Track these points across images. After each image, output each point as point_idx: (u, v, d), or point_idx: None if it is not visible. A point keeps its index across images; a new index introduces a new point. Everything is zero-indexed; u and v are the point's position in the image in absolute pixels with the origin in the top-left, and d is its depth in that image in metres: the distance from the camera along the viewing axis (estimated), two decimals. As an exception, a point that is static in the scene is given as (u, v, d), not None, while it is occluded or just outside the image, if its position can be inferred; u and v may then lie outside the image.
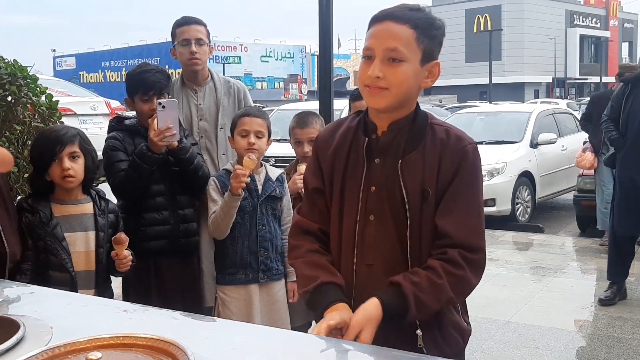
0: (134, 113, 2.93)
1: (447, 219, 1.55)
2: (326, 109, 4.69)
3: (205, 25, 3.21)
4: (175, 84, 3.18)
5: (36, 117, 3.75)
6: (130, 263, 2.50)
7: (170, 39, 3.28)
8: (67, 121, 5.04)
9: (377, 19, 1.58)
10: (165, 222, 2.80)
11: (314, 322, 3.08)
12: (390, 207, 1.59)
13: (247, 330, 1.35)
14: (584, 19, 56.35)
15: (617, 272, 4.77)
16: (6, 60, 3.86)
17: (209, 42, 3.20)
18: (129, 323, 1.35)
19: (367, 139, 1.63)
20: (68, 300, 1.58)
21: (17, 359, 1.09)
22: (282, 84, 36.25)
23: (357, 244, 1.62)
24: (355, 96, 3.29)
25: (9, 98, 3.63)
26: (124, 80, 3.01)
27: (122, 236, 2.43)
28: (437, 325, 1.61)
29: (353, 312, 1.53)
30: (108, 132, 2.88)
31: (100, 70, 34.48)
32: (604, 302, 4.66)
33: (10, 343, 1.17)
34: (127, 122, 2.89)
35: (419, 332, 1.57)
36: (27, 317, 1.33)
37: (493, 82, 36.58)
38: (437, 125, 1.64)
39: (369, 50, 1.56)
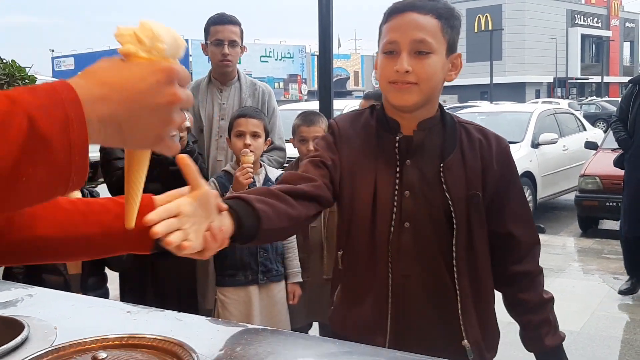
0: None
1: (518, 224, 1.55)
2: (326, 109, 4.68)
3: (239, 25, 3.21)
4: (202, 81, 3.19)
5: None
6: None
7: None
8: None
9: (397, 11, 1.47)
10: None
11: (315, 323, 3.09)
12: (430, 214, 1.48)
13: (251, 331, 1.35)
14: (585, 19, 56.36)
15: (633, 268, 4.82)
16: (4, 61, 3.86)
17: (242, 42, 3.21)
18: (133, 324, 1.35)
19: (398, 138, 1.50)
20: (71, 301, 1.58)
21: (23, 359, 1.09)
22: (282, 84, 36.29)
23: (392, 253, 1.49)
24: (367, 95, 3.21)
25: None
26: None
27: None
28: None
29: (392, 341, 1.47)
30: None
31: (100, 71, 34.45)
32: (623, 292, 4.73)
33: (15, 343, 1.17)
34: None
35: (465, 343, 1.50)
36: (31, 317, 1.33)
37: (494, 82, 36.61)
38: (467, 124, 1.56)
39: (393, 44, 1.44)
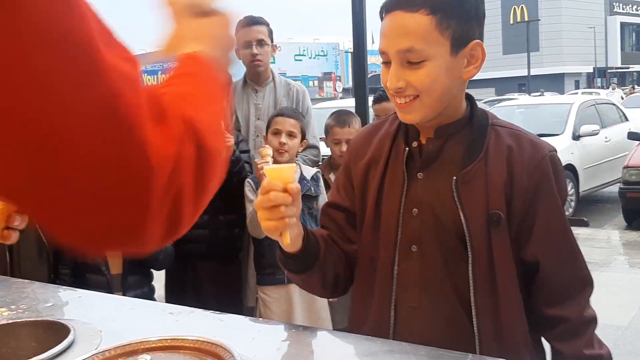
0: None
1: (552, 254, 1.25)
2: (362, 107, 4.65)
3: (266, 24, 3.22)
4: (238, 83, 3.23)
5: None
6: None
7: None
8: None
9: (386, 10, 1.23)
10: (204, 226, 2.82)
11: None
12: (439, 236, 1.25)
13: (292, 330, 1.35)
14: (624, 6, 55.00)
15: None
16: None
17: (272, 40, 3.22)
18: (176, 325, 1.37)
19: (407, 148, 1.30)
20: (115, 303, 1.60)
21: (68, 363, 1.11)
22: (316, 82, 36.29)
23: (398, 280, 1.29)
24: (377, 98, 3.09)
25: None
26: (161, 84, 3.05)
27: None
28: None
29: None
30: None
31: (137, 74, 35.03)
32: None
33: (61, 347, 1.19)
34: None
35: None
36: (76, 321, 1.36)
37: (531, 73, 36.02)
38: (502, 127, 1.29)
39: (384, 54, 1.24)
